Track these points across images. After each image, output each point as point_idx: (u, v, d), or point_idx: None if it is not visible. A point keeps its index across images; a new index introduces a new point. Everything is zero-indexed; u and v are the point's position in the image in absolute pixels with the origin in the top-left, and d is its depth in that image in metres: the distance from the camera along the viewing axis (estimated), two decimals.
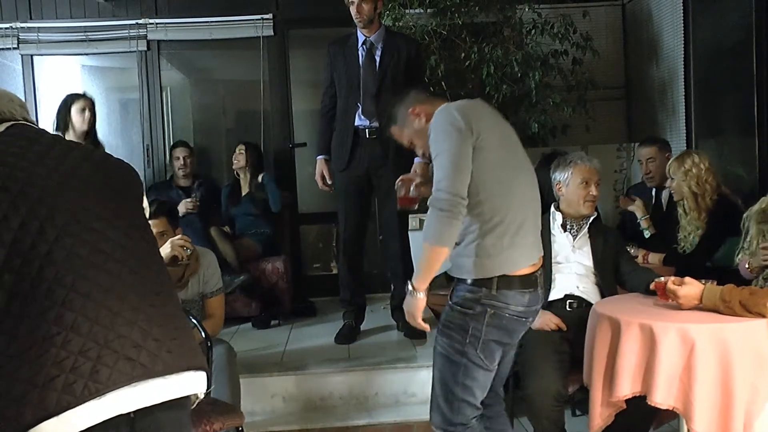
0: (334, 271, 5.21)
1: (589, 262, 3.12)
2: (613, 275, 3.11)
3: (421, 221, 4.65)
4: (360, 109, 3.84)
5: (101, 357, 1.35)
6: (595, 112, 4.91)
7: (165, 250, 2.73)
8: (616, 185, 5.14)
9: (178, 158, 4.93)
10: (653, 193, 4.12)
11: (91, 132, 4.35)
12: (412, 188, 2.59)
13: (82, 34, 5.14)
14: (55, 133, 4.30)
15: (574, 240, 3.15)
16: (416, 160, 3.49)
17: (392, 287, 4.14)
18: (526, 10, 4.65)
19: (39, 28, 5.13)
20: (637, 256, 3.54)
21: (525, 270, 2.25)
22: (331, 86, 3.96)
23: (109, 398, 1.34)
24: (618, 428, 2.62)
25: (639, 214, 3.92)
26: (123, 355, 1.37)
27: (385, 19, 4.34)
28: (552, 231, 3.16)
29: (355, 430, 3.34)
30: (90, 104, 4.33)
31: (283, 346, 4.01)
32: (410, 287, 2.23)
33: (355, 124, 3.86)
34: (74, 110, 4.28)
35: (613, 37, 5.31)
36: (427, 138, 2.29)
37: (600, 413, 2.53)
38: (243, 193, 4.91)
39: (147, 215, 1.68)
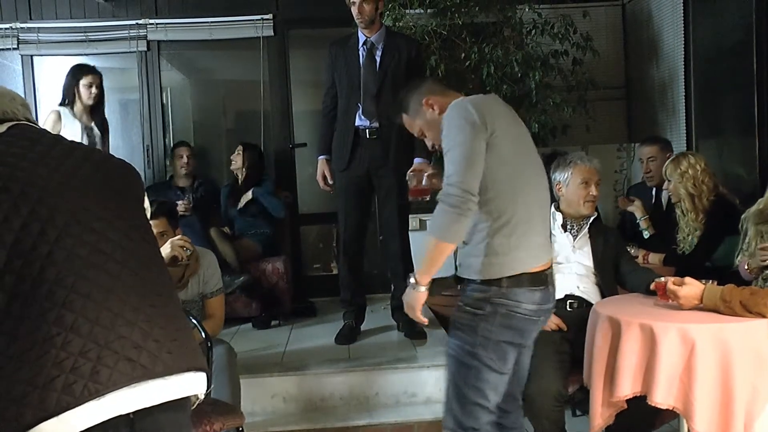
0: (335, 272, 5.21)
1: (589, 262, 3.12)
2: (613, 275, 3.11)
3: (422, 221, 4.66)
4: (360, 110, 3.84)
5: (101, 358, 1.35)
6: (596, 112, 4.91)
7: (165, 250, 2.74)
8: (616, 185, 5.14)
9: (181, 156, 4.94)
10: (653, 192, 4.12)
11: (98, 108, 4.36)
12: (424, 179, 2.56)
13: (82, 34, 5.14)
14: (60, 106, 4.32)
15: (574, 240, 3.15)
16: (416, 160, 3.49)
17: (392, 287, 4.13)
18: (526, 10, 4.64)
19: (39, 28, 5.12)
20: (637, 257, 3.54)
21: (535, 268, 2.22)
22: (332, 87, 3.95)
23: (108, 399, 1.34)
24: (618, 428, 2.62)
25: (638, 215, 3.93)
26: (123, 356, 1.37)
27: (385, 19, 4.33)
28: (552, 231, 3.15)
29: (356, 431, 3.34)
30: (98, 80, 4.35)
31: (284, 347, 4.00)
32: (413, 279, 2.20)
33: (356, 124, 3.86)
34: (82, 85, 4.30)
35: (613, 37, 5.30)
36: (438, 130, 2.24)
37: (600, 413, 2.53)
38: (242, 194, 4.90)
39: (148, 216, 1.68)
